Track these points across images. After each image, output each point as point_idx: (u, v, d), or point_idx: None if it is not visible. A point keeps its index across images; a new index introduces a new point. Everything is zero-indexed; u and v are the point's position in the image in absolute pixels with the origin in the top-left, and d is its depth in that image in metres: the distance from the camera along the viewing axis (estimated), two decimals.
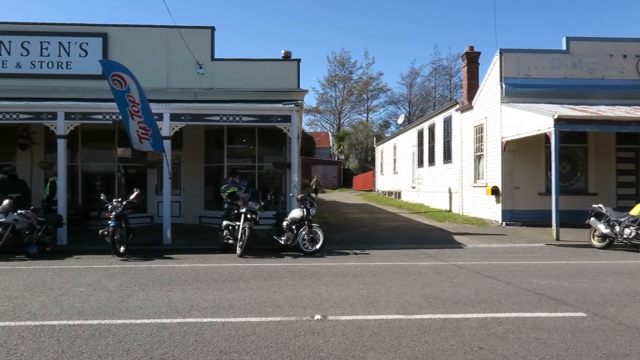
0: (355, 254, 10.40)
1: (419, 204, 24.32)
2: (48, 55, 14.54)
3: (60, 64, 14.57)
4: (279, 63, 15.77)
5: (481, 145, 17.08)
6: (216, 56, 15.42)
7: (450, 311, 5.66)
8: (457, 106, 19.63)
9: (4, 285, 7.20)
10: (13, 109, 11.97)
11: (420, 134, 25.14)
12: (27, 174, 15.04)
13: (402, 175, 29.53)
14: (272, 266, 8.87)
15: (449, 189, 20.32)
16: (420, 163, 25.03)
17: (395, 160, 31.64)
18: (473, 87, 18.73)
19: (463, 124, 18.84)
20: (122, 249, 9.95)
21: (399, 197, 29.45)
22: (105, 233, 10.01)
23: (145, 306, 5.91)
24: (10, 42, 14.44)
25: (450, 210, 20.03)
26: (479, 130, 17.28)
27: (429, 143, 23.53)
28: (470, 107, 18.07)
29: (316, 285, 7.13)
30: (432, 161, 23.07)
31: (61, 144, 11.80)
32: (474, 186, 17.66)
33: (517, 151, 15.24)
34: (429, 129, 23.58)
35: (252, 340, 4.65)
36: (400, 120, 46.05)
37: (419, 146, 25.47)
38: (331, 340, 4.63)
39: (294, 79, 15.44)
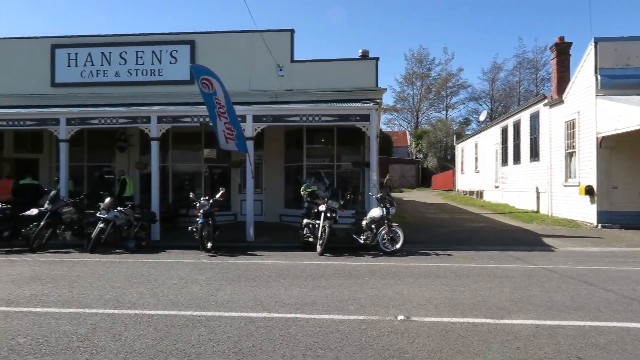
0: (437, 254, 10.15)
1: (503, 204, 23.23)
2: (143, 64, 15.65)
3: (153, 71, 15.63)
4: (357, 62, 15.80)
5: (573, 141, 15.97)
6: (295, 58, 15.75)
7: (543, 317, 5.35)
8: (546, 101, 18.51)
9: (107, 275, 7.85)
10: (113, 114, 13.01)
11: (504, 131, 24.00)
12: (125, 174, 16.27)
13: (484, 174, 28.38)
14: (352, 265, 8.89)
15: (536, 189, 19.21)
16: (504, 161, 23.91)
17: (476, 158, 30.48)
18: (563, 80, 17.55)
19: (552, 119, 17.72)
20: (209, 244, 10.45)
21: (481, 196, 28.33)
22: (194, 230, 10.57)
23: (233, 300, 6.16)
24: (110, 53, 15.72)
25: (537, 211, 18.93)
26: (571, 125, 16.16)
27: (514, 140, 22.41)
28: (561, 102, 16.95)
29: (398, 285, 7.04)
30: (517, 159, 21.95)
31: (154, 146, 12.63)
32: (564, 185, 16.56)
33: (614, 148, 14.07)
34: (514, 125, 22.45)
35: (335, 337, 4.69)
36: (482, 117, 44.24)
37: (502, 144, 24.33)
38: (416, 342, 4.55)
39: (372, 78, 15.39)
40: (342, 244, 10.95)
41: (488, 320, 5.23)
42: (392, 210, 10.68)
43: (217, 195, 11.24)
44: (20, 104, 15.58)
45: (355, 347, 4.41)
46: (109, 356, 4.18)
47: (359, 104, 12.96)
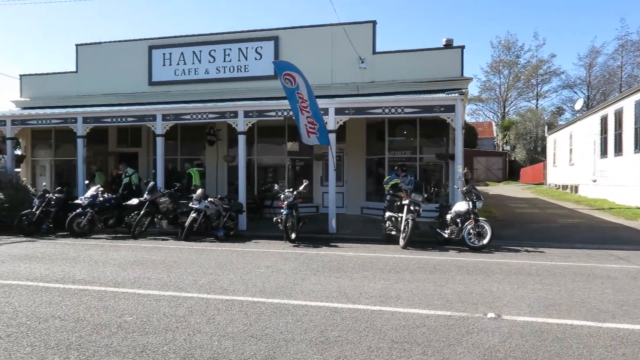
0: (527, 251, 9.63)
1: (601, 199, 21.47)
2: (230, 61, 16.31)
3: (239, 67, 16.24)
4: (440, 52, 15.33)
5: None
6: (377, 50, 15.60)
7: None
8: None
9: (200, 262, 8.32)
10: (203, 110, 13.71)
11: (604, 120, 22.12)
12: (214, 166, 17.13)
13: (579, 167, 26.39)
14: (437, 259, 8.69)
15: None
16: (604, 153, 22.05)
17: (571, 150, 28.41)
18: None
19: None
20: (293, 235, 10.71)
21: (576, 191, 26.39)
22: (279, 220, 10.88)
23: (318, 290, 6.27)
24: (200, 51, 16.56)
25: None
26: None
27: (615, 130, 20.58)
28: None
29: (486, 281, 6.78)
30: (618, 151, 20.15)
31: (241, 140, 13.14)
32: None
33: None
34: (615, 114, 20.60)
35: (422, 332, 4.62)
36: (577, 106, 41.08)
37: (601, 134, 22.45)
38: (508, 341, 4.35)
39: (457, 67, 14.86)
40: (425, 238, 10.73)
41: (588, 323, 4.88)
42: (479, 204, 10.28)
43: (301, 188, 11.47)
44: (121, 102, 16.92)
45: (442, 343, 4.31)
46: (204, 338, 4.43)
47: (443, 95, 12.58)
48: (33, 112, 16.11)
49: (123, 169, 15.26)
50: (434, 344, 4.31)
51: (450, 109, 11.85)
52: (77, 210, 11.89)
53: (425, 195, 10.87)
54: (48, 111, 15.74)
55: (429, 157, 15.46)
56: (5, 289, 6.28)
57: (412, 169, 14.64)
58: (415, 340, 4.40)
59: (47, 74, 18.98)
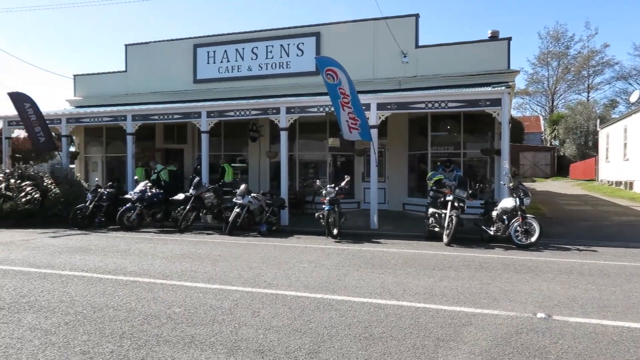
0: (579, 250, 9.26)
1: None
2: (272, 57, 16.49)
3: (281, 64, 16.39)
4: (486, 44, 14.94)
5: None
6: (420, 43, 15.36)
7: None
8: None
9: (244, 256, 8.47)
10: (246, 106, 13.91)
11: None
12: (256, 162, 17.38)
13: (634, 162, 25.11)
14: (482, 257, 8.49)
15: None
16: None
17: (625, 144, 27.05)
18: None
19: None
20: (335, 231, 10.73)
21: (630, 187, 25.14)
22: (321, 216, 10.92)
23: (361, 286, 6.26)
24: (243, 49, 16.82)
25: None
26: None
27: None
28: None
29: (535, 280, 6.57)
30: None
31: (283, 136, 13.26)
32: None
33: None
34: None
35: (469, 331, 4.53)
36: (633, 98, 38.97)
37: None
38: (560, 342, 4.21)
39: (504, 60, 14.45)
40: (469, 235, 10.52)
41: None
42: (527, 201, 9.96)
43: (343, 183, 11.47)
44: (167, 100, 17.42)
45: (490, 342, 4.21)
46: (250, 331, 4.51)
47: (489, 88, 12.24)
48: (87, 110, 16.84)
49: (153, 165, 15.78)
50: (480, 342, 4.22)
51: (497, 102, 11.53)
52: (127, 205, 12.34)
53: (470, 192, 10.64)
54: (99, 109, 16.41)
55: (473, 153, 15.12)
56: (62, 279, 6.60)
57: (456, 165, 14.36)
58: (462, 338, 4.32)
59: (99, 73, 19.78)
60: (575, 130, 45.02)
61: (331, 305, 5.34)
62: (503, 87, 11.75)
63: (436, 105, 12.13)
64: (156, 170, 15.31)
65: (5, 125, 17.18)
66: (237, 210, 11.63)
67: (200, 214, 12.63)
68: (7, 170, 14.65)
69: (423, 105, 12.31)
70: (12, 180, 13.68)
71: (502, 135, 11.71)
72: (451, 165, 12.11)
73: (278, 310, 5.18)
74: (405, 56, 15.11)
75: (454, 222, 9.86)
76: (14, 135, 19.03)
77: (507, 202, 10.10)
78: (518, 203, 9.81)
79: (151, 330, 4.51)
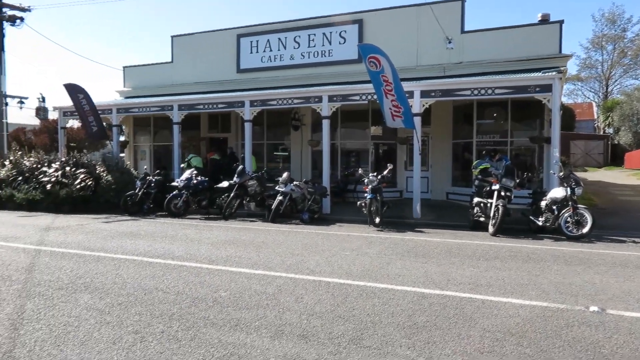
0: (635, 242, 8.84)
1: None
2: (314, 46, 16.46)
3: (323, 52, 16.34)
4: (535, 28, 14.35)
5: None
6: (466, 28, 14.93)
7: None
8: None
9: (287, 243, 8.57)
10: (289, 95, 13.98)
11: None
12: (298, 151, 17.47)
13: None
14: (530, 248, 8.24)
15: None
16: None
17: None
18: None
19: None
20: (377, 219, 10.67)
21: None
22: (363, 205, 10.89)
23: (404, 274, 6.21)
24: (285, 38, 16.87)
25: None
26: None
27: None
28: None
29: (587, 273, 6.32)
30: None
31: (325, 124, 13.25)
32: None
33: None
34: None
35: (516, 322, 4.42)
36: None
37: None
38: (614, 337, 4.04)
39: (555, 44, 13.84)
40: (516, 225, 10.23)
41: None
42: (578, 191, 9.55)
43: (385, 172, 11.36)
44: (212, 89, 17.74)
45: (539, 335, 4.09)
46: (294, 316, 4.57)
47: (539, 74, 11.78)
48: (135, 100, 17.39)
49: (187, 155, 16.22)
50: (529, 334, 4.11)
51: (547, 88, 11.07)
52: (174, 192, 12.71)
53: (518, 181, 10.31)
54: (147, 100, 16.92)
55: (521, 141, 14.63)
56: (115, 262, 6.90)
57: (503, 154, 13.96)
58: (509, 330, 4.22)
59: (146, 64, 20.36)
60: (631, 117, 42.59)
61: (374, 293, 5.33)
62: (554, 72, 11.27)
63: (482, 92, 11.79)
64: (187, 159, 15.72)
65: (61, 115, 18.02)
66: (280, 198, 11.75)
67: (244, 202, 12.85)
68: (63, 159, 15.38)
69: (469, 92, 11.99)
70: (68, 168, 14.36)
71: (553, 123, 11.26)
72: (497, 155, 11.76)
73: (321, 296, 5.22)
74: (450, 42, 14.71)
75: (500, 211, 9.60)
76: (68, 125, 19.93)
77: (557, 192, 9.73)
78: (569, 193, 9.43)
79: (199, 312, 4.65)
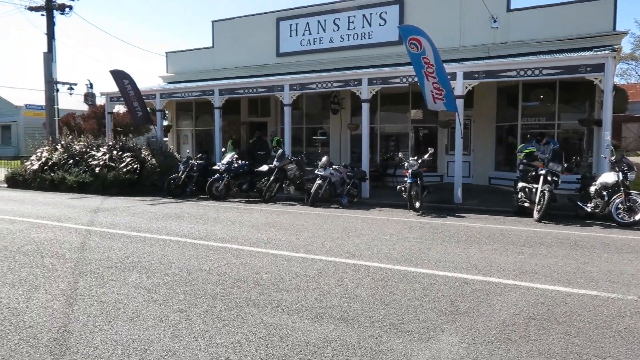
0: None
1: None
2: (354, 29, 16.26)
3: (363, 34, 16.11)
4: (587, 4, 13.62)
5: None
6: (512, 6, 14.37)
7: None
8: None
9: (326, 227, 8.61)
10: (328, 78, 13.90)
11: None
12: (337, 135, 17.43)
13: None
14: (577, 234, 7.95)
15: None
16: None
17: None
18: None
19: None
20: (417, 204, 10.54)
21: None
22: (403, 189, 10.77)
23: (445, 260, 6.13)
24: (325, 20, 16.72)
25: None
26: None
27: None
28: None
29: None
30: None
31: (365, 108, 13.13)
32: None
33: None
34: None
35: (563, 310, 4.28)
36: None
37: None
38: None
39: (608, 21, 13.14)
40: (562, 211, 9.89)
41: None
42: (631, 176, 9.10)
43: (426, 156, 11.18)
44: (251, 74, 17.87)
45: (588, 324, 3.96)
46: (334, 299, 4.59)
47: (590, 53, 11.22)
48: (177, 85, 17.75)
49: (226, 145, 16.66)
50: (577, 324, 3.97)
51: (599, 68, 10.54)
52: (215, 176, 12.96)
53: (565, 165, 9.93)
54: (189, 85, 17.22)
55: (569, 124, 14.06)
56: (160, 243, 7.12)
57: (550, 137, 13.47)
58: (555, 318, 4.10)
59: (188, 50, 20.70)
60: None
61: (415, 278, 5.29)
62: (607, 51, 10.71)
63: (529, 72, 11.35)
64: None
65: (108, 101, 18.62)
66: (319, 182, 11.78)
67: (283, 185, 12.96)
68: (110, 143, 15.94)
69: (514, 73, 11.57)
70: (115, 152, 14.87)
71: (604, 104, 10.75)
72: (544, 138, 11.35)
73: (361, 280, 5.22)
74: (495, 21, 14.21)
75: (546, 197, 9.29)
76: (115, 110, 20.58)
77: (608, 177, 9.31)
78: (621, 178, 9.02)
79: (241, 293, 4.75)
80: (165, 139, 19.02)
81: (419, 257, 6.29)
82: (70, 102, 31.37)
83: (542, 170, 9.66)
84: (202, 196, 13.27)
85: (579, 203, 9.75)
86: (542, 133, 11.98)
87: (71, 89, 22.69)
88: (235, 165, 13.07)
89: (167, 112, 20.38)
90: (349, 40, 16.37)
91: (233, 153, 13.86)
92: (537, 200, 9.56)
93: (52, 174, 15.20)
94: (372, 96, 13.29)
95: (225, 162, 13.11)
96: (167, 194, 13.24)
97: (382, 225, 8.88)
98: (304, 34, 17.19)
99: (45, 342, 3.58)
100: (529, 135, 12.86)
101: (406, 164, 10.97)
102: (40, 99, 25.30)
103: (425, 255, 6.39)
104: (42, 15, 19.80)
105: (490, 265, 5.83)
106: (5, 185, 16.62)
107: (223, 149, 15.11)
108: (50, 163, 15.68)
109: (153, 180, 14.19)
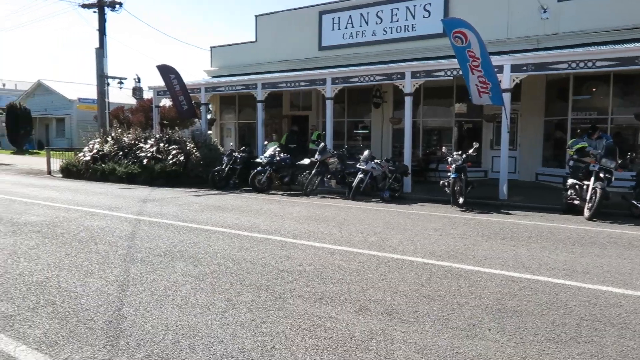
0: None
1: None
2: (397, 21, 16.06)
3: (406, 27, 15.90)
4: None
5: None
6: None
7: None
8: None
9: (368, 221, 8.59)
10: (370, 72, 13.81)
11: None
12: (379, 129, 17.31)
13: None
14: (632, 234, 7.61)
15: None
16: None
17: None
18: None
19: None
20: (460, 200, 10.35)
21: None
22: (446, 184, 10.60)
23: (491, 257, 6.00)
24: (368, 13, 16.60)
25: None
26: None
27: None
28: None
29: None
30: None
31: (408, 101, 12.96)
32: None
33: None
34: None
35: (617, 312, 4.12)
36: None
37: None
38: None
39: None
40: (616, 209, 9.47)
41: None
42: None
43: (470, 151, 10.94)
44: (294, 67, 17.97)
45: None
46: (377, 293, 4.59)
47: None
48: (221, 80, 18.08)
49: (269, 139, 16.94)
50: (633, 327, 3.81)
51: None
52: (258, 169, 13.16)
53: (620, 162, 9.48)
54: (232, 79, 17.50)
55: (623, 118, 13.43)
56: (206, 233, 7.31)
57: (602, 132, 12.90)
58: (609, 320, 3.95)
59: (232, 44, 21.04)
60: None
61: (459, 274, 5.21)
62: None
63: (581, 64, 10.89)
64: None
65: (155, 95, 19.20)
66: (361, 175, 11.75)
67: (325, 179, 13.01)
68: (157, 136, 16.44)
69: (565, 66, 11.13)
70: (162, 145, 15.34)
71: None
72: (597, 132, 10.87)
73: (404, 275, 5.19)
74: (545, 11, 13.70)
75: (598, 194, 8.92)
76: (161, 103, 21.19)
77: None
78: None
79: (285, 284, 4.81)
80: (209, 132, 19.44)
81: (463, 253, 6.18)
82: (120, 95, 32.53)
83: (594, 166, 9.28)
84: (244, 188, 13.50)
85: (633, 202, 9.31)
86: (595, 127, 11.48)
87: (121, 83, 23.54)
88: (278, 158, 13.22)
89: (211, 105, 20.80)
90: (391, 33, 16.19)
91: (275, 146, 14.03)
92: (588, 197, 9.19)
93: (103, 165, 15.84)
94: (415, 90, 13.11)
95: (267, 155, 13.28)
96: (211, 186, 13.54)
97: (424, 220, 8.78)
98: (346, 28, 17.12)
99: (101, 325, 3.76)
100: (579, 130, 12.36)
101: (450, 159, 10.78)
102: (91, 93, 26.40)
103: (470, 251, 6.28)
104: (94, 12, 20.58)
105: (539, 264, 5.66)
106: (60, 175, 17.45)
107: (265, 142, 15.31)
108: (101, 154, 16.34)
109: (197, 172, 14.55)
